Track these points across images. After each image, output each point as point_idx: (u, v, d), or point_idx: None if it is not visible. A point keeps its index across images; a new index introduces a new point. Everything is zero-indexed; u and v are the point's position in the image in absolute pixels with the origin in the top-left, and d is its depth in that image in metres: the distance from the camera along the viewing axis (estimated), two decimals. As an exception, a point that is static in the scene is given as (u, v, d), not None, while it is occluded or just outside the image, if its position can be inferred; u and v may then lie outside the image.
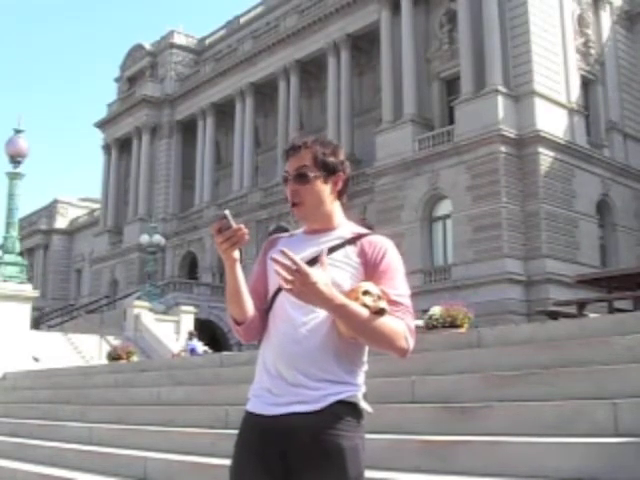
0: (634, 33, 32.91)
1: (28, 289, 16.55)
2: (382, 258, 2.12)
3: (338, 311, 1.97)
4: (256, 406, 2.12)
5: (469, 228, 26.76)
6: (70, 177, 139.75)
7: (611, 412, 3.88)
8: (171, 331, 26.55)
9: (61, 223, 61.07)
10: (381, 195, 30.27)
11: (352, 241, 2.16)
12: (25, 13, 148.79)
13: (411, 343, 2.06)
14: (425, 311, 8.09)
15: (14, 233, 16.54)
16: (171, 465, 5.70)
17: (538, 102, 27.27)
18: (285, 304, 2.11)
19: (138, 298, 31.42)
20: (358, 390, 2.11)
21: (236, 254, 2.09)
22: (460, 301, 8.88)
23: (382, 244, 2.16)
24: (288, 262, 1.92)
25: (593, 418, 3.97)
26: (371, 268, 2.11)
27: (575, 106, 28.79)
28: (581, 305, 9.18)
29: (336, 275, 2.07)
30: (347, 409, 2.06)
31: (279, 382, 2.08)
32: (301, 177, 2.17)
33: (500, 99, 27.00)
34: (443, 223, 28.63)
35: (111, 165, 49.51)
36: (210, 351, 19.11)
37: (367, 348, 2.16)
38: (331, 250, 2.13)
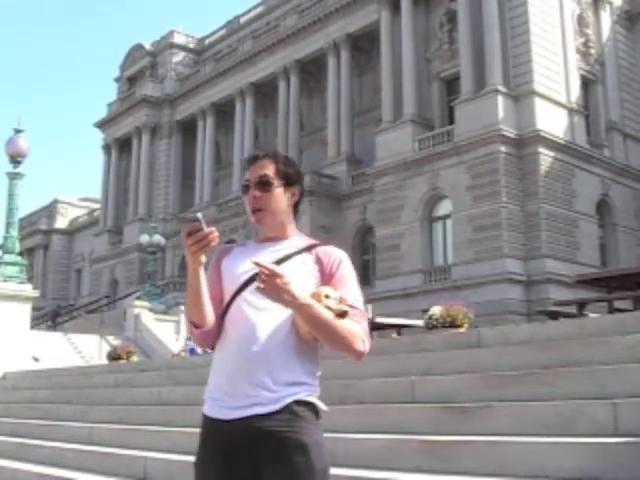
0: (634, 33, 32.90)
1: (28, 289, 16.53)
2: (338, 267, 2.23)
3: (305, 310, 2.06)
4: (213, 410, 2.18)
5: (469, 228, 26.75)
6: (70, 177, 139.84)
7: (611, 412, 3.88)
8: (171, 331, 26.55)
9: (61, 223, 61.04)
10: (381, 195, 30.26)
11: (307, 250, 2.26)
12: (25, 13, 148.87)
13: (367, 346, 2.16)
14: (425, 311, 8.08)
15: (14, 233, 16.52)
16: (171, 465, 5.70)
17: (538, 102, 27.27)
18: (243, 308, 2.18)
19: (138, 298, 31.42)
20: (315, 390, 2.19)
21: (203, 258, 2.12)
22: (460, 301, 8.86)
23: (337, 254, 2.27)
24: (267, 266, 2.03)
25: (593, 418, 3.97)
26: (327, 276, 2.22)
27: (575, 106, 28.79)
28: (581, 305, 9.17)
29: (298, 281, 2.14)
30: (305, 408, 2.14)
31: (238, 385, 2.13)
32: (263, 185, 2.28)
33: (500, 99, 27.00)
34: (443, 223, 28.63)
35: (111, 165, 49.52)
36: (210, 351, 19.08)
37: (320, 351, 2.24)
38: (289, 257, 2.22)
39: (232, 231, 39.39)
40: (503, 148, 26.50)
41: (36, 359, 17.34)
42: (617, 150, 30.32)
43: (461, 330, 7.33)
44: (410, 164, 29.04)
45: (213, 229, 2.08)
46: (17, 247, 16.77)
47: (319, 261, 2.23)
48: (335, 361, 6.95)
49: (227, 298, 2.23)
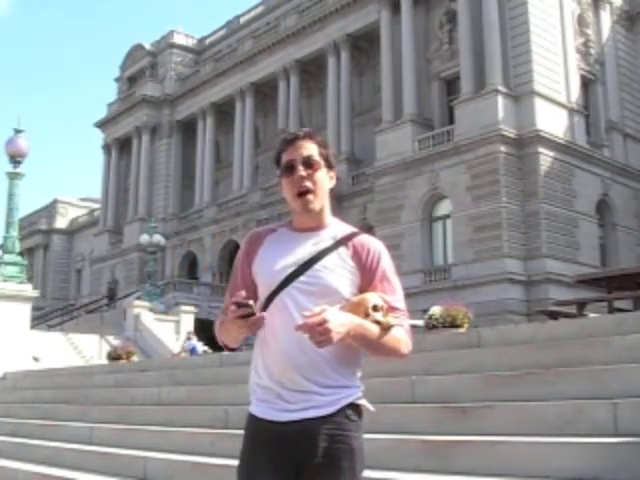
0: (634, 33, 32.89)
1: (28, 289, 16.53)
2: (377, 263, 2.14)
3: (353, 339, 2.02)
4: (266, 412, 2.11)
5: (469, 228, 26.74)
6: (70, 177, 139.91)
7: (611, 412, 3.88)
8: (171, 331, 26.54)
9: (61, 223, 61.05)
10: (381, 195, 30.26)
11: (344, 242, 2.15)
12: (25, 13, 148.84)
13: (410, 346, 2.14)
14: (425, 311, 8.08)
15: (14, 233, 16.53)
16: (171, 465, 5.69)
17: (538, 102, 27.26)
18: (286, 309, 2.08)
19: (138, 298, 31.42)
20: (360, 390, 2.15)
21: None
22: (460, 301, 8.87)
23: (375, 247, 2.16)
24: (312, 320, 1.92)
25: (593, 418, 3.97)
26: (367, 273, 2.13)
27: (575, 106, 28.78)
28: (581, 305, 9.17)
29: (334, 281, 2.08)
30: (353, 410, 2.11)
31: (289, 389, 2.08)
32: (311, 164, 2.13)
33: (500, 99, 26.99)
34: (443, 223, 28.62)
35: (111, 165, 49.49)
36: (210, 351, 19.09)
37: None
38: (324, 252, 2.12)
39: (232, 231, 39.41)
40: (503, 148, 26.49)
41: (36, 359, 17.34)
42: (617, 150, 30.31)
43: (461, 330, 7.33)
44: (410, 164, 29.03)
45: (264, 314, 2.02)
46: (17, 247, 16.78)
47: (357, 256, 2.12)
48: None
49: (263, 293, 2.14)
